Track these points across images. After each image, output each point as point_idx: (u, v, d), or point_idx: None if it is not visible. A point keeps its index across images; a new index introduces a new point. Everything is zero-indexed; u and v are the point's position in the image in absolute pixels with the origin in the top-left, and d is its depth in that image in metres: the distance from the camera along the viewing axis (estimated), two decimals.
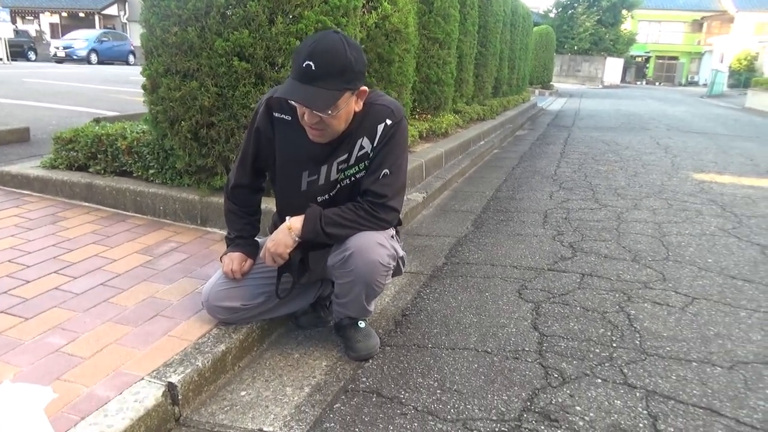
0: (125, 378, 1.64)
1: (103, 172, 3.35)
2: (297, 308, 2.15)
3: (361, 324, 2.05)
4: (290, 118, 1.83)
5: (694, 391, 1.81)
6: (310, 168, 1.86)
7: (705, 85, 36.52)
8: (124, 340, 1.86)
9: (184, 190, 3.11)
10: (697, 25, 46.52)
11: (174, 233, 2.92)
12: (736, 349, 2.10)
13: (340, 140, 1.81)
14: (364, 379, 1.86)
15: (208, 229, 3.03)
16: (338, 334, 2.09)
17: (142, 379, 1.65)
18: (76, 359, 1.72)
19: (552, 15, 36.25)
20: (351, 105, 1.73)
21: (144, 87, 3.06)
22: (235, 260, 1.98)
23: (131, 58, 26.87)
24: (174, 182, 3.18)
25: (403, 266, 2.00)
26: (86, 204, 3.27)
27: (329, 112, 1.66)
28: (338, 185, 1.87)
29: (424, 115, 6.04)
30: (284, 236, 1.81)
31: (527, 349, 2.07)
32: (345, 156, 1.83)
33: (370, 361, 1.98)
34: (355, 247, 1.78)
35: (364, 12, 3.94)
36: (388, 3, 4.12)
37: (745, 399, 1.78)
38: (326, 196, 1.88)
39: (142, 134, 3.29)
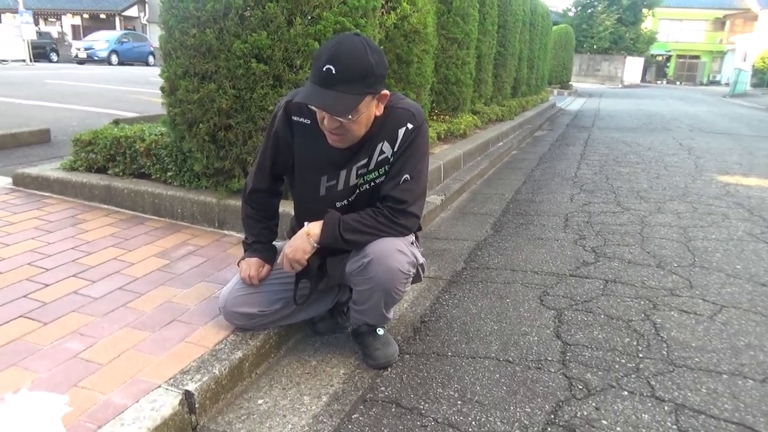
0: (142, 385, 1.62)
1: (121, 174, 3.36)
2: (314, 314, 2.12)
3: (380, 331, 2.01)
4: (309, 122, 1.79)
5: (726, 406, 1.74)
6: (329, 173, 1.83)
7: (727, 84, 35.87)
8: (142, 346, 1.84)
9: (202, 193, 3.10)
10: (720, 24, 45.73)
11: (191, 236, 2.91)
12: None
13: (360, 145, 1.77)
14: (383, 389, 1.83)
15: (226, 231, 3.02)
16: (356, 341, 2.06)
17: (159, 386, 1.63)
18: (93, 365, 1.70)
19: (571, 14, 35.91)
20: (371, 109, 1.69)
21: (162, 89, 3.06)
22: (252, 266, 1.95)
23: (151, 59, 27.19)
24: (192, 185, 3.17)
25: (423, 273, 1.96)
26: (105, 206, 3.28)
27: (350, 117, 1.63)
28: (357, 190, 1.84)
29: (442, 116, 5.99)
30: (302, 242, 1.78)
31: (550, 358, 2.01)
32: (365, 161, 1.79)
33: (389, 369, 1.94)
34: (374, 254, 1.75)
35: (383, 12, 3.90)
36: (407, 3, 4.08)
37: None
38: (345, 202, 1.85)
39: (160, 136, 3.29)
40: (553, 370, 1.93)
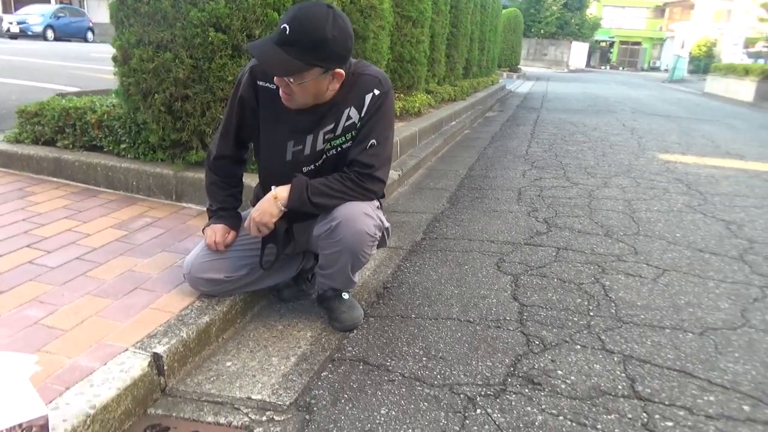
0: (109, 349, 1.61)
1: (71, 146, 3.25)
2: (280, 281, 2.14)
3: (345, 296, 2.05)
4: (275, 87, 1.80)
5: (669, 356, 1.88)
6: (296, 138, 1.84)
7: (666, 70, 37.38)
8: (105, 313, 1.82)
9: (158, 165, 3.04)
10: (660, 12, 47.51)
11: (149, 208, 2.86)
12: (705, 316, 2.19)
13: (326, 109, 1.79)
14: (350, 348, 1.88)
15: (184, 204, 2.97)
16: (321, 306, 2.10)
17: (126, 350, 1.62)
18: (56, 331, 1.68)
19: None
20: (322, 83, 1.70)
21: (114, 58, 2.97)
22: (218, 232, 1.95)
23: (90, 35, 25.89)
24: (147, 157, 3.10)
25: (388, 237, 2.01)
26: (54, 179, 3.17)
27: (291, 80, 1.65)
28: (324, 155, 1.86)
29: (397, 94, 6.02)
30: (270, 205, 1.79)
31: (508, 318, 2.11)
32: (331, 126, 1.82)
33: (355, 331, 1.99)
34: (342, 216, 1.78)
35: None
36: None
37: (716, 362, 1.86)
38: (312, 167, 1.87)
39: (112, 108, 3.19)
40: (511, 329, 2.03)
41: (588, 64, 41.82)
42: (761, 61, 21.65)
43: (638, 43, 48.97)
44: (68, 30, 24.69)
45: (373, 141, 1.81)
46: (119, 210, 2.79)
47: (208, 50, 2.70)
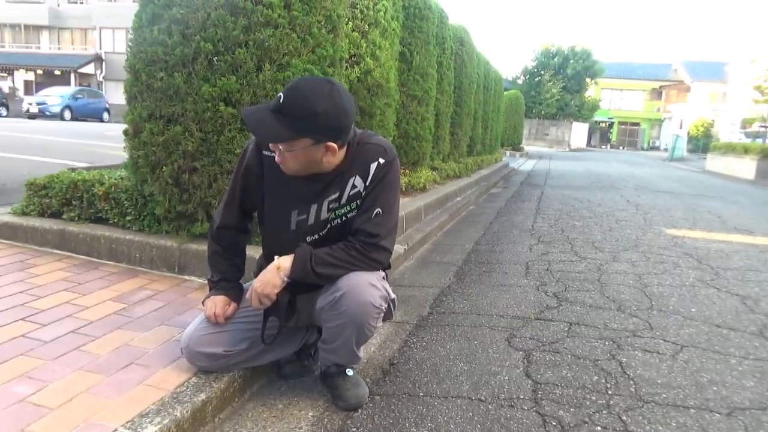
0: (97, 429, 1.52)
1: (77, 219, 3.24)
2: (281, 356, 2.05)
3: (349, 372, 1.96)
4: None
5: None
6: (300, 207, 1.82)
7: (666, 149, 38.09)
8: (97, 389, 1.73)
9: (162, 237, 3.02)
10: (656, 94, 49.08)
11: (150, 281, 2.81)
12: (731, 395, 2.07)
13: (330, 179, 1.78)
14: (354, 430, 1.76)
15: (186, 277, 2.92)
16: (324, 383, 1.99)
17: (116, 430, 1.52)
18: (43, 409, 1.58)
19: (520, 81, 37.90)
20: (314, 154, 1.69)
21: (126, 132, 3.03)
22: (218, 304, 1.89)
23: (105, 116, 26.86)
24: (152, 229, 3.08)
25: (394, 309, 1.94)
26: (58, 251, 3.14)
27: (281, 147, 1.67)
28: (329, 225, 1.83)
29: (403, 170, 6.10)
30: (272, 276, 1.74)
31: (522, 396, 1.99)
32: (336, 195, 1.80)
33: (360, 410, 1.88)
34: (346, 287, 1.73)
35: (347, 66, 4.02)
36: (370, 58, 4.22)
37: None
38: (316, 236, 1.84)
39: (120, 180, 3.22)
40: (525, 408, 1.91)
41: (589, 144, 42.75)
42: (759, 141, 22.05)
43: (637, 124, 50.25)
44: (85, 110, 25.65)
45: (378, 210, 1.78)
46: (120, 282, 2.74)
47: (218, 123, 2.75)
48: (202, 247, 2.85)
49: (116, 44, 34.30)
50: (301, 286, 1.83)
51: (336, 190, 1.79)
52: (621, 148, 47.86)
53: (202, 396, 1.76)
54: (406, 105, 5.79)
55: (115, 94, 29.13)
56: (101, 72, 36.05)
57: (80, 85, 33.15)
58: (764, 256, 4.72)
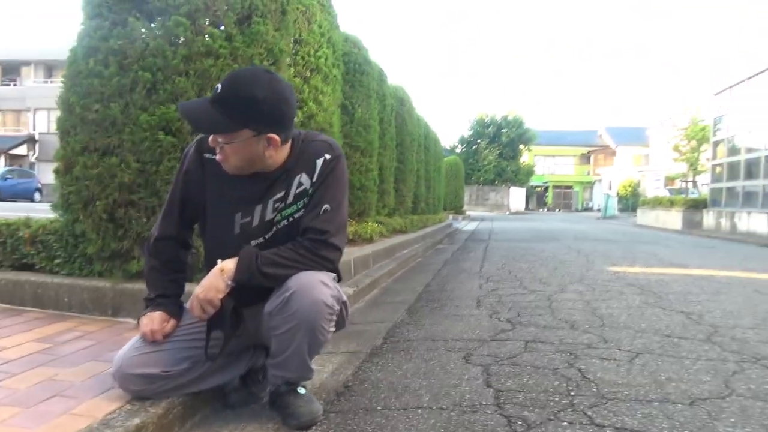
0: None
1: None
2: (226, 380, 1.89)
3: (301, 390, 1.81)
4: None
5: (663, 425, 1.71)
6: (243, 209, 1.74)
7: (599, 209, 39.94)
8: (13, 421, 1.53)
9: (94, 279, 2.82)
10: (586, 158, 52.04)
11: (80, 324, 2.59)
12: (691, 389, 2.05)
13: (275, 177, 1.73)
14: None
15: (120, 319, 2.72)
16: (274, 406, 1.83)
17: None
18: None
19: (458, 150, 39.40)
20: (255, 147, 1.63)
21: (56, 170, 2.88)
22: (155, 320, 1.74)
23: (37, 196, 25.78)
24: (83, 271, 2.88)
25: (347, 316, 1.84)
26: None
27: (220, 139, 1.61)
28: (275, 227, 1.75)
29: (349, 220, 6.06)
30: (216, 279, 1.63)
31: (484, 402, 1.91)
32: (282, 194, 1.73)
33: (313, 428, 1.73)
34: (296, 286, 1.63)
35: None
36: (313, 103, 4.27)
37: (714, 428, 1.70)
38: (261, 239, 1.74)
39: (49, 223, 3.02)
40: (489, 412, 1.82)
41: (527, 207, 44.29)
42: (683, 195, 23.52)
43: (570, 187, 52.73)
44: (15, 191, 24.51)
45: (327, 206, 1.72)
46: (45, 326, 2.51)
47: (157, 153, 2.66)
48: (139, 285, 2.67)
49: (51, 125, 33.53)
50: (249, 297, 1.72)
51: (281, 189, 1.73)
52: (557, 210, 49.82)
53: (137, 420, 1.58)
54: (350, 156, 5.84)
55: (49, 175, 28.13)
56: (34, 153, 34.94)
57: (11, 165, 31.90)
58: (701, 283, 4.90)
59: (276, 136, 1.63)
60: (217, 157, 1.67)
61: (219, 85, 1.59)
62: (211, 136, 1.64)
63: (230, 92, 1.57)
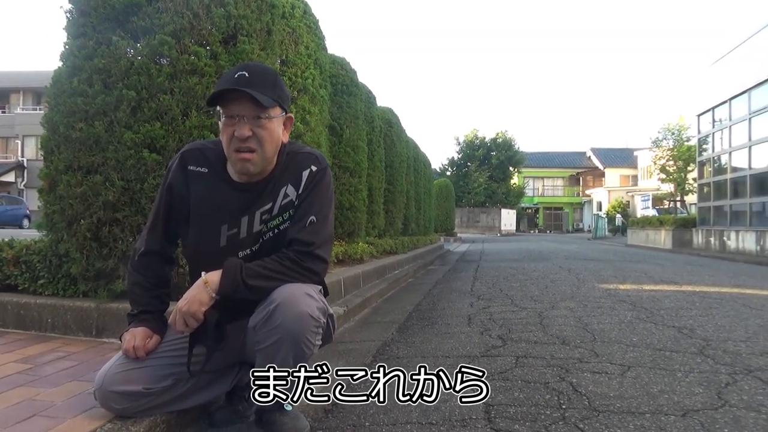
0: None
1: None
2: (211, 398, 1.85)
3: (288, 407, 1.77)
4: (206, 170, 1.73)
5: None
6: (230, 220, 1.72)
7: (589, 230, 40.13)
8: None
9: (78, 299, 2.77)
10: (575, 180, 52.42)
11: (63, 344, 2.53)
12: (683, 400, 2.03)
13: (261, 188, 1.71)
14: None
15: (105, 339, 2.66)
16: (260, 423, 1.79)
17: None
18: None
19: (449, 173, 39.61)
20: (279, 128, 1.69)
21: (40, 190, 2.85)
22: (137, 336, 1.70)
23: (26, 222, 25.54)
24: (67, 292, 2.83)
25: (333, 329, 1.81)
26: None
27: (266, 115, 1.60)
28: (261, 239, 1.73)
29: (338, 241, 6.04)
30: (199, 292, 1.59)
31: (475, 417, 1.87)
32: (269, 205, 1.72)
33: None
34: (281, 298, 1.60)
35: None
36: (300, 123, 4.28)
37: None
38: (248, 251, 1.72)
39: (32, 243, 2.98)
40: (479, 426, 1.79)
41: (518, 229, 44.40)
42: (672, 214, 23.70)
43: (560, 208, 53.00)
44: (3, 217, 24.30)
45: (312, 218, 1.71)
46: (27, 347, 2.45)
47: (141, 171, 2.64)
48: (124, 305, 2.62)
49: (40, 152, 33.40)
50: (233, 312, 1.69)
51: (268, 201, 1.72)
52: (548, 231, 49.98)
53: None
54: (339, 176, 5.85)
55: (38, 202, 27.94)
56: (23, 180, 34.72)
57: None
58: (692, 298, 4.90)
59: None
60: (244, 157, 1.63)
61: (244, 73, 1.59)
62: (239, 129, 1.59)
63: (259, 75, 1.62)
